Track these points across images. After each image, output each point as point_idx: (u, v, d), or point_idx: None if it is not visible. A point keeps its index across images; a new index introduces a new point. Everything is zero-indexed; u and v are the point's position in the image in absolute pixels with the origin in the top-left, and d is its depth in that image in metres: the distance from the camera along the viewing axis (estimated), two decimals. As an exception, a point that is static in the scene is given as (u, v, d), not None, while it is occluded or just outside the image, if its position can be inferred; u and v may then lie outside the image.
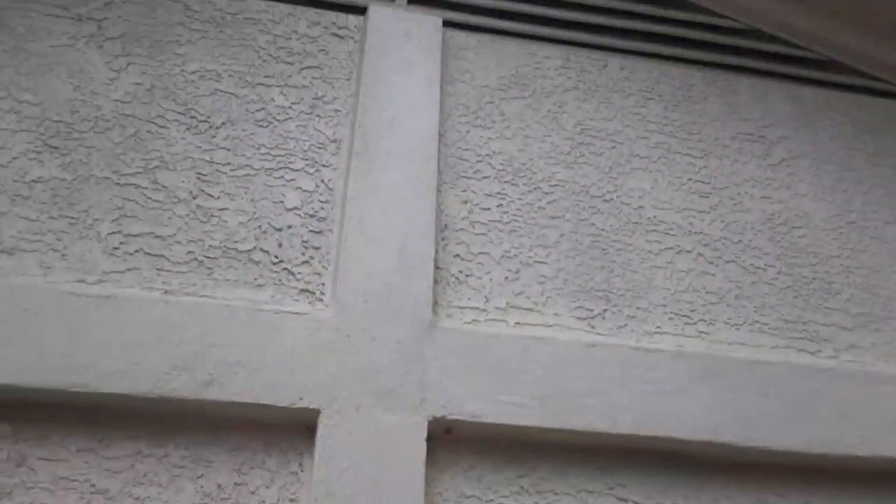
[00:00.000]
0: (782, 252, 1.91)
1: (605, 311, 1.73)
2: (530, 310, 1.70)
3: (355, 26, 2.02)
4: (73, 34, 1.80)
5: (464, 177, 1.88)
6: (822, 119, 2.17)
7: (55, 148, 1.65)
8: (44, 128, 1.67)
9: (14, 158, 1.61)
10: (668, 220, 1.92)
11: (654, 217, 1.92)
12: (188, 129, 1.76)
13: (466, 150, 1.92)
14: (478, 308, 1.68)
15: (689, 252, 1.86)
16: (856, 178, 2.09)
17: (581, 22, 2.21)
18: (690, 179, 2.00)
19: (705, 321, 1.75)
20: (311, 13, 2.02)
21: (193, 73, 1.84)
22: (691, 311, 1.77)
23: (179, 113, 1.77)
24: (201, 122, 1.78)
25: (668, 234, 1.89)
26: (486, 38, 2.10)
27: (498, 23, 2.15)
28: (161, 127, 1.74)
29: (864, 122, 2.19)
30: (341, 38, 2.01)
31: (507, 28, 2.15)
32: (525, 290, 1.73)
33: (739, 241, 1.91)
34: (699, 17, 2.28)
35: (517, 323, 1.68)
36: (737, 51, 2.26)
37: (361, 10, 2.05)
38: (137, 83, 1.78)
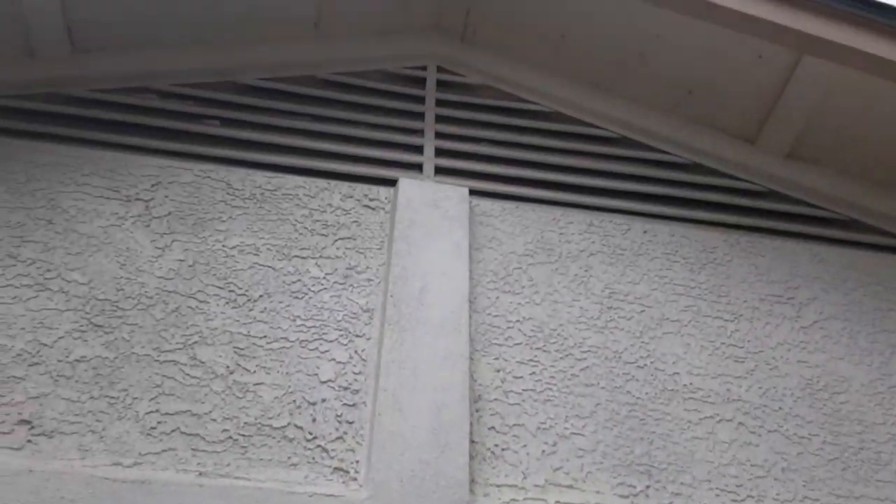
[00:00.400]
0: (825, 420, 1.87)
1: (647, 487, 1.68)
2: (570, 487, 1.65)
3: (386, 197, 2.12)
4: (122, 214, 1.90)
5: (495, 344, 1.89)
6: (849, 279, 2.18)
7: (99, 326, 1.70)
8: (90, 306, 1.72)
9: (60, 338, 1.65)
10: (705, 386, 1.90)
11: (691, 384, 1.90)
12: (227, 302, 1.81)
13: (497, 316, 1.94)
14: (516, 486, 1.63)
15: (729, 421, 1.82)
16: (890, 339, 2.07)
17: (602, 188, 2.30)
18: (724, 343, 1.99)
19: (753, 497, 1.68)
20: (345, 186, 2.12)
21: (234, 247, 1.91)
22: (737, 486, 1.71)
23: (219, 287, 1.83)
24: (240, 295, 1.83)
25: (706, 401, 1.86)
26: (510, 205, 2.18)
27: (522, 190, 2.24)
28: (201, 302, 1.79)
29: (892, 280, 2.20)
30: (373, 209, 2.09)
31: (530, 195, 2.24)
32: (564, 464, 1.69)
33: (780, 408, 1.87)
34: (718, 181, 2.37)
35: (557, 502, 1.62)
36: (758, 212, 2.33)
37: (392, 182, 2.15)
38: (181, 259, 1.85)
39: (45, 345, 1.65)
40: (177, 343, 1.71)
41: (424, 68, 2.50)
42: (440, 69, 2.50)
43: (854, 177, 2.37)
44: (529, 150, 2.35)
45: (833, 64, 2.13)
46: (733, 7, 2.13)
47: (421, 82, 2.46)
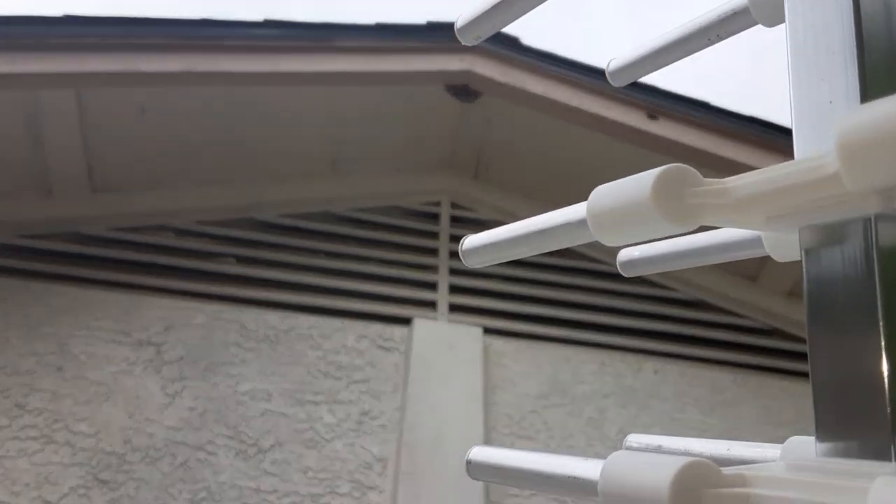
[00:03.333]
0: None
1: None
2: None
3: (400, 338, 2.11)
4: (133, 360, 1.88)
5: (511, 494, 1.85)
6: (863, 424, 2.18)
7: (105, 482, 1.64)
8: (96, 461, 1.67)
9: (65, 495, 1.60)
10: (725, 539, 1.84)
11: (710, 536, 1.84)
12: (237, 454, 1.76)
13: (512, 464, 1.90)
14: None
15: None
16: (909, 487, 2.04)
17: (612, 325, 2.31)
18: (741, 492, 1.95)
19: None
20: (360, 326, 2.12)
21: (245, 393, 1.88)
22: None
23: (229, 437, 1.79)
24: (250, 445, 1.79)
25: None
26: (523, 344, 2.19)
27: (534, 328, 2.25)
28: (210, 454, 1.75)
29: (904, 424, 2.19)
30: (387, 349, 2.09)
31: (543, 333, 2.25)
32: None
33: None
34: (723, 318, 2.40)
35: None
36: (763, 351, 2.34)
37: (406, 321, 2.16)
38: (191, 407, 1.82)
39: (50, 502, 1.58)
40: (184, 499, 1.65)
41: (438, 204, 2.56)
42: (454, 205, 2.57)
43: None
44: (541, 287, 2.38)
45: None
46: (727, 156, 2.22)
47: (435, 218, 2.52)
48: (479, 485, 1.79)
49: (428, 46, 2.33)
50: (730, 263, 2.48)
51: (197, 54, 2.00)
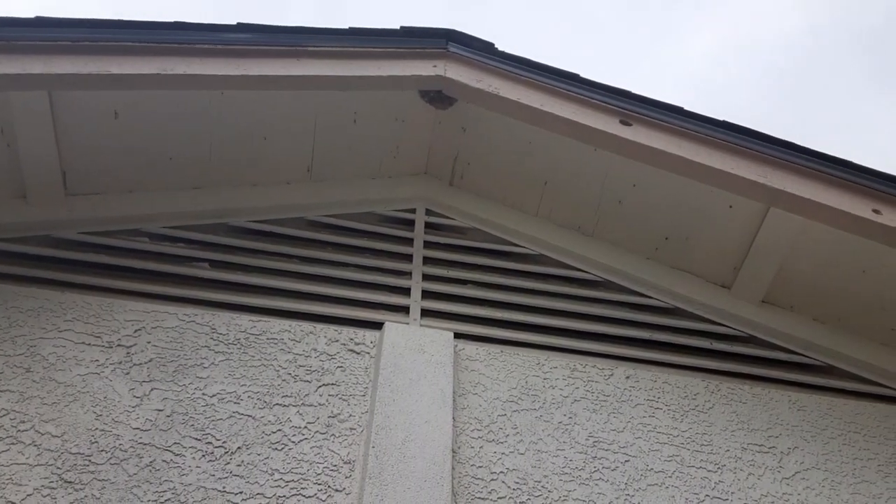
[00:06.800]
0: (815, 582, 1.82)
1: None
2: None
3: (371, 342, 2.12)
4: (102, 361, 1.88)
5: (479, 497, 1.85)
6: (829, 427, 2.19)
7: (69, 483, 1.64)
8: (61, 461, 1.67)
9: (28, 496, 1.60)
10: (691, 542, 1.85)
11: (677, 539, 1.85)
12: (203, 455, 1.76)
13: (480, 467, 1.91)
14: None
15: (717, 584, 1.77)
16: (872, 490, 2.06)
17: (585, 331, 2.32)
18: (708, 496, 1.96)
19: None
20: (331, 330, 2.12)
21: (213, 395, 1.89)
22: None
23: (196, 439, 1.79)
24: (217, 447, 1.79)
25: (693, 562, 1.81)
26: (495, 349, 2.20)
27: (506, 333, 2.26)
28: (177, 455, 1.75)
29: (871, 429, 2.21)
30: (358, 353, 2.09)
31: (514, 338, 2.26)
32: None
33: (767, 568, 1.83)
34: (697, 325, 2.41)
35: None
36: (737, 357, 2.35)
37: (378, 325, 2.17)
38: (159, 409, 1.82)
39: (13, 503, 1.58)
40: (149, 500, 1.65)
41: (414, 211, 2.57)
42: (429, 212, 2.58)
43: (829, 324, 2.43)
44: (514, 293, 2.39)
45: (799, 217, 2.23)
46: (700, 161, 2.24)
47: (410, 224, 2.53)
48: (446, 487, 1.80)
49: (401, 52, 2.35)
50: (704, 271, 2.50)
51: (169, 57, 2.01)
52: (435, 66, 2.36)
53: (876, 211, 2.08)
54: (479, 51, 2.42)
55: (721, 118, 2.38)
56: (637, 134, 2.31)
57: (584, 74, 2.42)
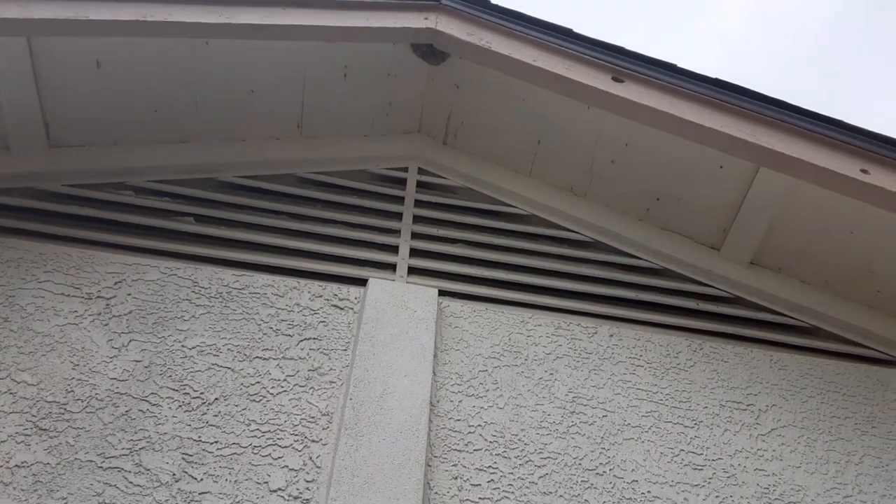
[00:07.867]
0: (783, 534, 1.83)
1: None
2: None
3: (356, 298, 2.12)
4: (81, 312, 1.89)
5: (455, 450, 1.86)
6: (808, 386, 2.19)
7: (44, 430, 1.66)
8: (37, 409, 1.69)
9: (2, 442, 1.61)
10: (663, 495, 1.86)
11: (649, 492, 1.86)
12: (180, 406, 1.78)
13: (458, 420, 1.92)
14: None
15: (687, 535, 1.78)
16: (847, 447, 2.06)
17: (572, 290, 2.31)
18: (683, 450, 1.97)
19: None
20: (315, 286, 2.12)
21: (193, 348, 1.90)
22: None
23: (173, 390, 1.80)
24: (194, 398, 1.80)
25: (664, 513, 1.82)
26: (480, 307, 2.19)
27: (492, 291, 2.25)
28: (153, 405, 1.76)
29: (850, 388, 2.20)
30: (342, 309, 2.09)
31: (501, 297, 2.25)
32: (518, 583, 1.63)
33: (737, 519, 1.84)
34: (685, 286, 2.39)
35: None
36: (722, 318, 2.34)
37: (364, 282, 2.16)
38: (136, 360, 1.83)
39: (-12, 449, 1.61)
40: (123, 449, 1.67)
41: (406, 169, 2.54)
42: (421, 171, 2.55)
43: (815, 285, 2.40)
44: (504, 252, 2.37)
45: (787, 177, 2.19)
46: (691, 119, 2.20)
47: (401, 183, 2.51)
48: (422, 439, 1.81)
49: (392, 3, 2.30)
50: (694, 232, 2.48)
51: (149, 4, 1.98)
52: (426, 19, 2.32)
53: (864, 171, 2.05)
54: (473, 4, 2.37)
55: (714, 76, 2.33)
56: (628, 91, 2.27)
57: (577, 30, 2.37)
